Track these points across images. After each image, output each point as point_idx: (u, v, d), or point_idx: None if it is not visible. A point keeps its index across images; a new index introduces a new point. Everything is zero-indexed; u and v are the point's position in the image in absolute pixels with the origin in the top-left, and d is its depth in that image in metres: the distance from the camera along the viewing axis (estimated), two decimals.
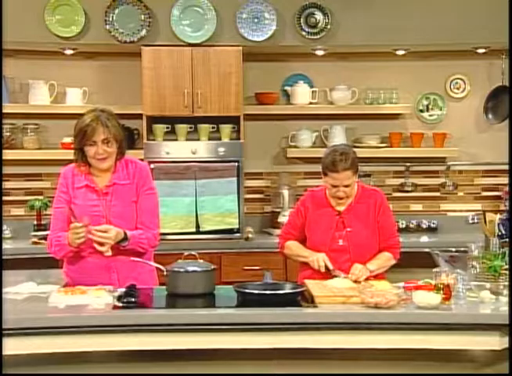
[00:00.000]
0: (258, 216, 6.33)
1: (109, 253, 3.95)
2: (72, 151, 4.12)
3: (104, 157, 4.00)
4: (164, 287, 3.92)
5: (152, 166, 5.70)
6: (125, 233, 3.97)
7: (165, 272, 3.90)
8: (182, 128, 5.95)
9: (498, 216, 4.79)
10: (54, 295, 3.77)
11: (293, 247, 4.42)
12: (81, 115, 4.08)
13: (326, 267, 4.18)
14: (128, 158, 4.16)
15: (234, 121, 5.92)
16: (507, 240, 4.47)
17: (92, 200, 4.06)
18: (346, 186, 4.26)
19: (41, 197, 6.04)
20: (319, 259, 4.20)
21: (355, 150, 4.49)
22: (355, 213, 4.32)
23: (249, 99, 6.21)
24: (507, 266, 3.91)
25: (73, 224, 3.93)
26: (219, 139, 5.98)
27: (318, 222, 4.34)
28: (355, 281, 4.02)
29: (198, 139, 5.97)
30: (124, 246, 3.98)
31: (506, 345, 3.51)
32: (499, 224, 4.72)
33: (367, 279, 4.09)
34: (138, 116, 5.84)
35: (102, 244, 3.93)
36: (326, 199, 4.36)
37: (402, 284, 3.89)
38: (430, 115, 6.45)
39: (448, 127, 6.41)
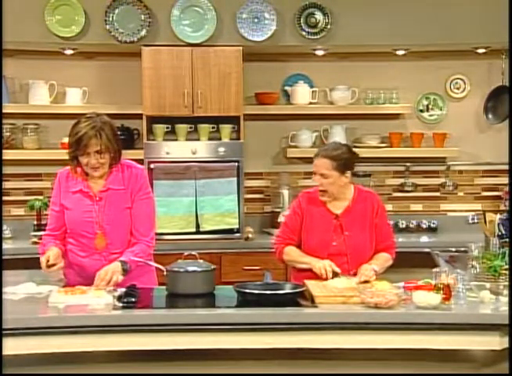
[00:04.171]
0: (258, 216, 6.33)
1: (121, 277, 3.91)
2: None
3: (97, 167, 3.99)
4: (164, 287, 3.92)
5: (152, 166, 5.72)
6: (122, 262, 3.93)
7: (165, 273, 3.90)
8: (182, 128, 5.95)
9: (498, 216, 4.80)
10: (54, 295, 3.77)
11: (294, 254, 4.32)
12: (79, 116, 4.06)
13: (334, 272, 4.11)
14: (125, 162, 4.13)
15: (234, 121, 5.92)
16: (507, 240, 4.47)
17: (86, 205, 4.05)
18: (322, 175, 4.25)
19: (41, 197, 6.03)
20: (326, 265, 4.11)
21: (356, 150, 4.47)
22: (353, 216, 4.29)
23: (249, 99, 6.21)
24: (507, 266, 3.91)
25: (42, 262, 3.94)
26: (219, 139, 5.98)
27: (314, 223, 4.30)
28: (366, 282, 3.99)
29: (198, 139, 5.97)
30: (128, 272, 3.94)
31: (506, 345, 3.51)
32: (499, 224, 4.73)
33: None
34: (138, 116, 5.84)
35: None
36: (321, 200, 4.34)
37: (402, 284, 3.89)
38: (430, 115, 6.45)
39: (448, 127, 6.41)
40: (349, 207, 4.31)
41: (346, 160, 4.28)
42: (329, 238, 4.26)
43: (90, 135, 3.92)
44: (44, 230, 4.28)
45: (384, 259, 4.31)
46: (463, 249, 4.30)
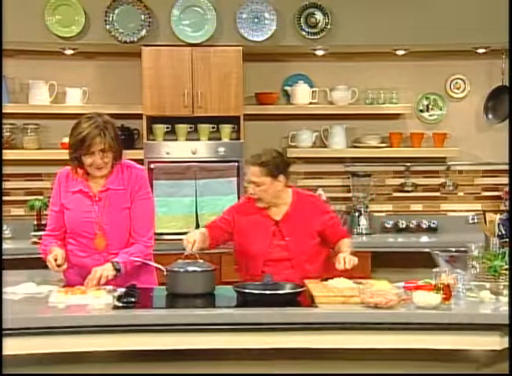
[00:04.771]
0: None
1: (112, 273, 3.90)
2: None
3: (101, 166, 3.99)
4: (164, 287, 3.92)
5: (152, 166, 5.72)
6: (113, 262, 3.92)
7: (165, 273, 3.90)
8: (182, 128, 5.95)
9: (498, 216, 4.80)
10: (54, 295, 3.77)
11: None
12: (79, 116, 4.06)
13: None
14: (125, 163, 4.12)
15: (234, 121, 5.92)
16: (507, 240, 4.47)
17: (86, 205, 4.04)
18: (254, 183, 4.24)
19: (41, 197, 6.03)
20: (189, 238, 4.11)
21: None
22: (293, 221, 4.28)
23: (249, 99, 6.20)
24: (507, 266, 3.91)
25: (51, 262, 3.92)
26: (219, 139, 5.98)
27: (252, 229, 4.30)
28: (345, 270, 4.01)
29: (198, 139, 5.97)
30: (121, 273, 3.93)
31: (506, 345, 3.51)
32: (499, 224, 4.73)
33: (363, 277, 4.08)
34: (138, 116, 5.84)
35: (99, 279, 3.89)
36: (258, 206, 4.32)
37: (402, 284, 3.89)
38: (430, 115, 6.45)
39: (448, 127, 6.41)
40: (288, 212, 4.30)
41: (276, 164, 4.26)
42: (267, 245, 4.26)
43: (94, 134, 3.91)
44: (44, 230, 4.28)
45: (347, 245, 4.32)
46: (463, 249, 4.30)
